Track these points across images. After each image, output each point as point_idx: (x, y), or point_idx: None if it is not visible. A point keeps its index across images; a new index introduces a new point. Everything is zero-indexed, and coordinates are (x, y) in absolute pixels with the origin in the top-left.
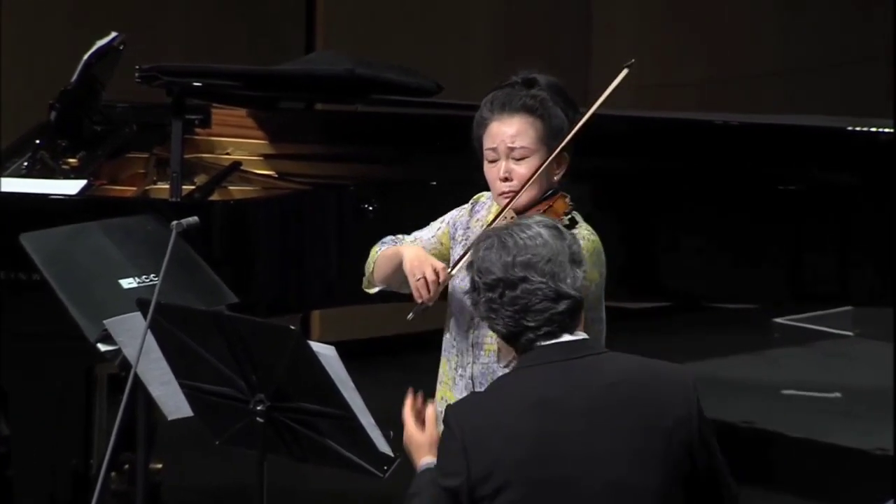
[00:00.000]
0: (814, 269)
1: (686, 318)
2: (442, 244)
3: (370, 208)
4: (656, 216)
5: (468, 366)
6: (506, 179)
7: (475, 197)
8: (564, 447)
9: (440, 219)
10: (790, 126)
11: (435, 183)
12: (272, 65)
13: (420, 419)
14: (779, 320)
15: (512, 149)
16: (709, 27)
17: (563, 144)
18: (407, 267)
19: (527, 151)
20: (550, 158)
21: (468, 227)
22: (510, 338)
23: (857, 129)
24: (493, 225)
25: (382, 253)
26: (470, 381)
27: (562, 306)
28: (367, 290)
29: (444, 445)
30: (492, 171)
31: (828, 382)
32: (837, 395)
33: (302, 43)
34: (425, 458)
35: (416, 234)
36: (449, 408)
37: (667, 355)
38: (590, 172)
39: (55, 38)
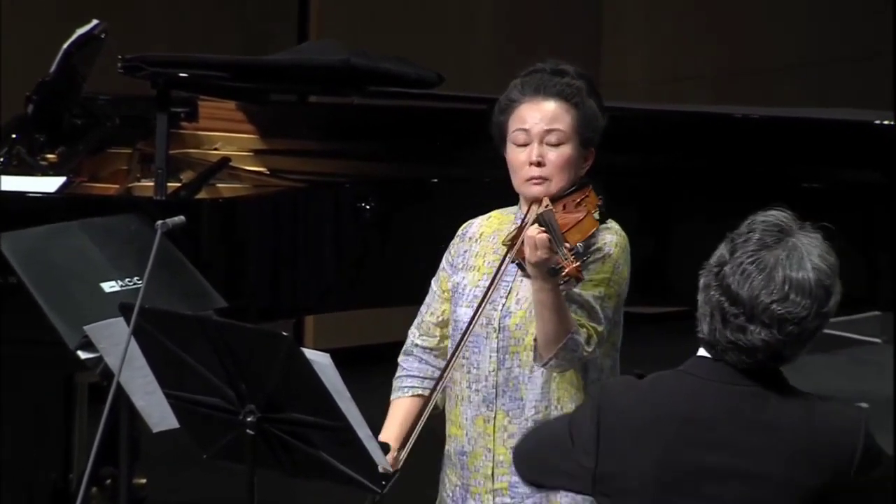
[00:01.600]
0: (839, 272)
1: None
2: (445, 290)
3: (368, 207)
4: (672, 216)
5: (490, 374)
6: (538, 164)
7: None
8: (693, 476)
9: (435, 276)
10: (813, 120)
11: (436, 180)
12: (263, 55)
13: None
14: None
15: (549, 131)
16: (720, 20)
17: None
18: None
19: (563, 136)
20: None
21: (466, 251)
22: (708, 343)
23: (885, 123)
24: (527, 215)
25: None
26: (493, 389)
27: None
28: None
29: (582, 416)
30: (520, 156)
31: (854, 391)
32: (864, 405)
33: (294, 33)
34: None
35: (425, 307)
36: (600, 384)
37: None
38: (602, 170)
39: (41, 30)
